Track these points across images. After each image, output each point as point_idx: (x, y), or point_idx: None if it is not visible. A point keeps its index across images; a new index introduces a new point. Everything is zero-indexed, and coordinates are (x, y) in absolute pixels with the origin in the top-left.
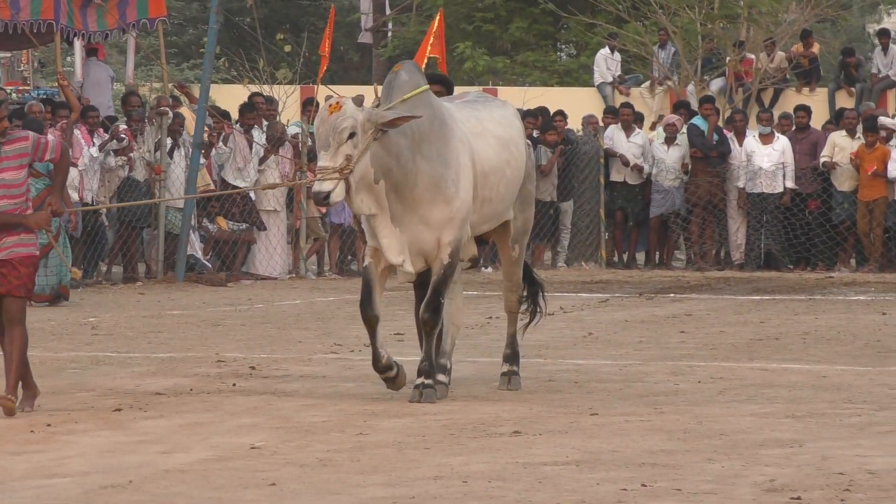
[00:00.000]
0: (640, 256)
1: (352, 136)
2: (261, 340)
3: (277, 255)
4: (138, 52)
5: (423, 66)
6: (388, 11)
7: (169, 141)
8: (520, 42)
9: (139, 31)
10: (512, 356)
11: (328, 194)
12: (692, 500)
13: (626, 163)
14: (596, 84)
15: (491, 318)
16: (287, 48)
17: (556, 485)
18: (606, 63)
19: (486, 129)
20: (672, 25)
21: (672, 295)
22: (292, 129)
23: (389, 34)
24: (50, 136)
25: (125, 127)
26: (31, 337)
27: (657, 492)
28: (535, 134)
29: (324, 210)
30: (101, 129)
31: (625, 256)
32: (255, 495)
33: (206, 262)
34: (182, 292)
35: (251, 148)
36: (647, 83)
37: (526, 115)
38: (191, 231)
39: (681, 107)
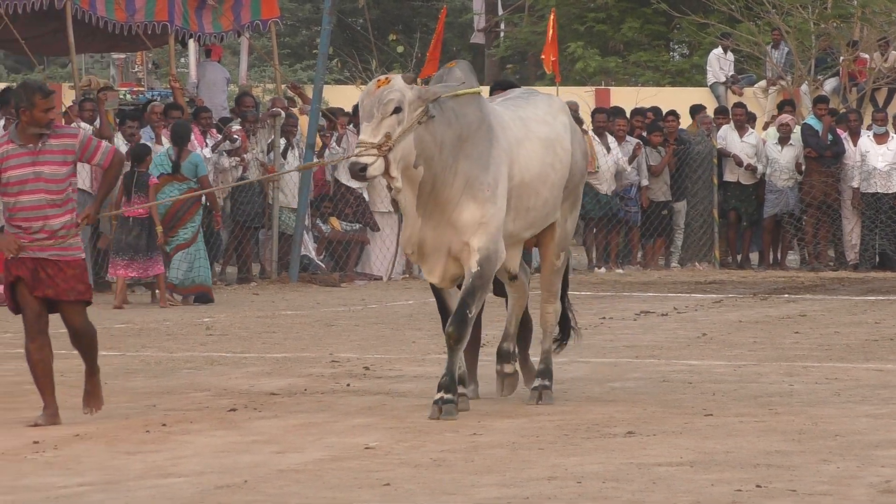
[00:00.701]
0: (754, 257)
1: (397, 110)
2: (374, 341)
3: (391, 255)
4: (251, 53)
5: (548, 67)
6: (500, 12)
7: (282, 142)
8: (632, 42)
9: (252, 32)
10: (545, 371)
11: (365, 167)
12: (807, 502)
13: (739, 163)
14: (709, 84)
15: (605, 318)
16: (400, 49)
17: (671, 486)
18: (719, 63)
19: (530, 133)
20: (785, 25)
21: (786, 295)
22: None
23: (502, 34)
24: (105, 142)
25: (238, 128)
26: (146, 337)
27: (772, 493)
28: (644, 133)
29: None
30: (214, 130)
31: (738, 257)
32: (369, 495)
33: (320, 263)
34: (296, 293)
35: None
36: (761, 83)
37: (634, 114)
38: (304, 232)
39: (786, 105)
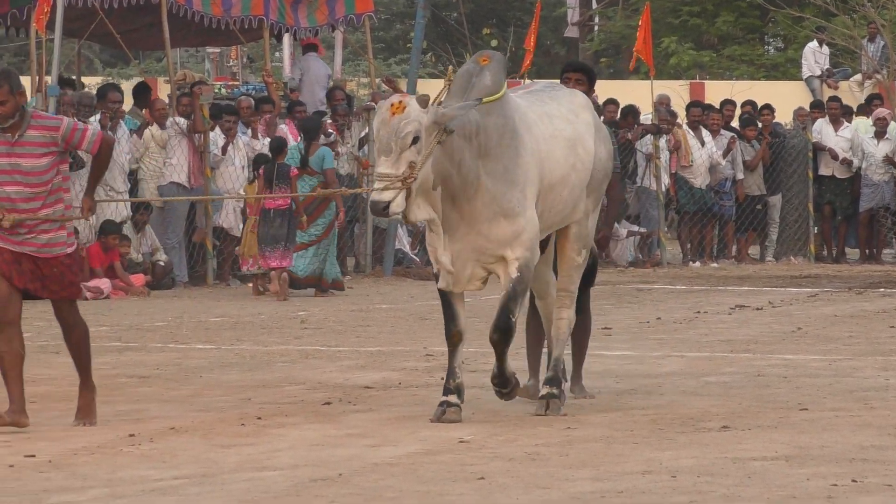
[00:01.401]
0: (850, 251)
1: (415, 140)
2: (469, 334)
3: None
4: (346, 47)
5: (633, 60)
6: (594, 5)
7: None
8: (726, 36)
9: (347, 26)
10: (553, 379)
11: (388, 205)
12: None
13: (834, 157)
14: (804, 78)
15: (699, 312)
16: (494, 43)
17: (766, 480)
18: (815, 57)
19: (556, 131)
20: (881, 18)
21: (882, 289)
22: None
23: (596, 28)
24: (92, 126)
25: (331, 122)
26: (242, 331)
27: (868, 487)
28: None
29: None
30: None
31: (834, 251)
32: (463, 489)
33: (414, 257)
34: (390, 286)
35: None
36: (856, 77)
37: (723, 104)
38: (398, 225)
39: (874, 99)
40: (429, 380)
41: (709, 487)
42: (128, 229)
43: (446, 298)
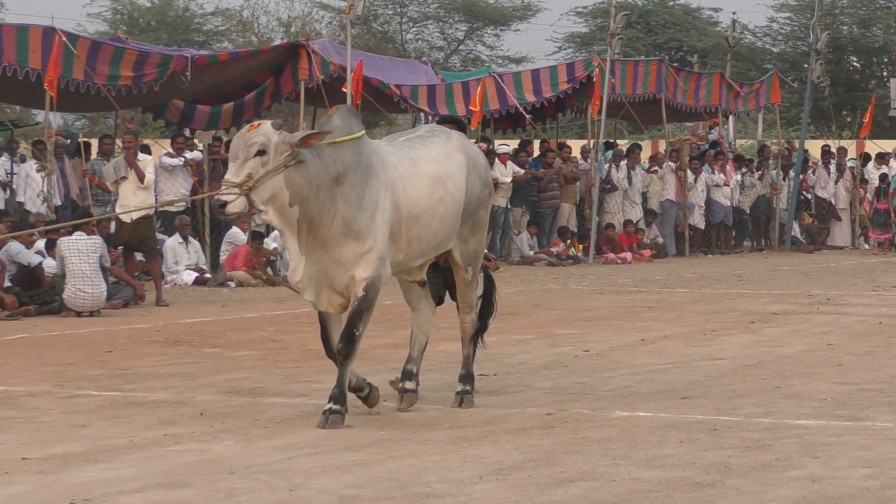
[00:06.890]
0: None
1: (261, 153)
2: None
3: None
4: (764, 120)
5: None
6: None
7: None
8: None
9: (765, 109)
10: (466, 377)
11: (225, 203)
12: None
13: None
14: None
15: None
16: (848, 119)
17: None
18: None
19: (419, 171)
20: None
21: None
22: None
23: None
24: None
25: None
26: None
27: None
28: None
29: None
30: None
31: None
32: None
33: (802, 239)
34: (787, 257)
35: None
36: None
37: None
38: (794, 221)
39: None
40: (808, 309)
41: None
42: None
43: (321, 321)
